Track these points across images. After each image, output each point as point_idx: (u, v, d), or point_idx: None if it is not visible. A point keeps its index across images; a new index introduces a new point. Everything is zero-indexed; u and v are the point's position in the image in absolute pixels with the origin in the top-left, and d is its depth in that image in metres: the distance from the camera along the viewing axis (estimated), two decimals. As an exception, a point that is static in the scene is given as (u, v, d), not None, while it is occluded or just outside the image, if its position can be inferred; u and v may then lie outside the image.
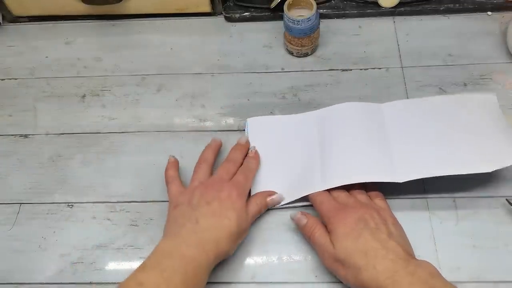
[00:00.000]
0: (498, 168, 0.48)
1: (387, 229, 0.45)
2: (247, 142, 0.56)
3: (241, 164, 0.53)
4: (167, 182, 0.53)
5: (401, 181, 0.49)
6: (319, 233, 0.47)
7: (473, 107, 0.54)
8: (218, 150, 0.55)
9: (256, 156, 0.55)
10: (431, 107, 0.54)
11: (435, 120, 0.53)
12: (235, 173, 0.52)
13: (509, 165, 0.48)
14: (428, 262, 0.43)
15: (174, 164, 0.54)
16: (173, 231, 0.46)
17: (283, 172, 0.54)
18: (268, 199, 0.51)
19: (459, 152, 0.50)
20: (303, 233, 0.49)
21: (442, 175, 0.49)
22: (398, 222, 0.47)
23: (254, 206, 0.50)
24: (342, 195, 0.50)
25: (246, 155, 0.55)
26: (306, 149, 0.55)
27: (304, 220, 0.48)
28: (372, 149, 0.52)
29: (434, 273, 0.42)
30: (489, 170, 0.48)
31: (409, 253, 0.44)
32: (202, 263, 0.43)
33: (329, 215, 0.47)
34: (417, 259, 0.43)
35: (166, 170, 0.54)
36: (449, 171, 0.49)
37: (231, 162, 0.53)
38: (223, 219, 0.46)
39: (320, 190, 0.50)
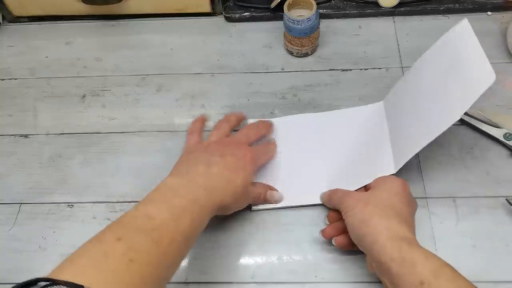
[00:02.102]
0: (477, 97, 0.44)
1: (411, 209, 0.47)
2: (271, 126, 0.56)
3: (261, 135, 0.55)
4: (188, 133, 0.54)
5: (394, 171, 0.49)
6: (349, 193, 0.48)
7: (451, 46, 0.49)
8: (242, 120, 0.57)
9: (275, 147, 0.55)
10: (418, 75, 0.52)
11: (420, 89, 0.51)
12: (253, 141, 0.53)
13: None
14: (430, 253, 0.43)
15: (201, 119, 0.56)
16: (184, 170, 0.46)
17: (285, 175, 0.54)
18: (268, 192, 0.52)
19: (443, 106, 0.47)
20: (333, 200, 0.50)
21: (419, 148, 0.47)
22: None
23: (259, 188, 0.51)
24: None
25: (268, 133, 0.56)
26: (308, 153, 0.55)
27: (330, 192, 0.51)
28: (374, 152, 0.53)
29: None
30: (469, 105, 0.44)
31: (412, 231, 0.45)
32: (208, 207, 0.44)
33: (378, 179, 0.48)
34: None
35: (193, 122, 0.55)
36: (424, 142, 0.47)
37: (253, 130, 0.54)
38: (233, 174, 0.46)
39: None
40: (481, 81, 0.43)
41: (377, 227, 0.42)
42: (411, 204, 0.47)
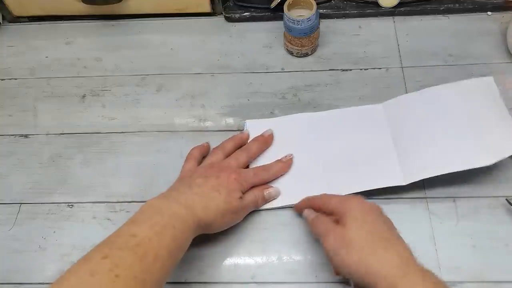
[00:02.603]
0: (499, 160, 0.48)
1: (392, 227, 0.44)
2: (270, 137, 0.56)
3: (255, 156, 0.54)
4: (186, 159, 0.54)
5: (404, 184, 0.50)
6: (327, 219, 0.45)
7: (472, 93, 0.53)
8: (239, 146, 0.56)
9: (288, 164, 0.54)
10: (430, 100, 0.54)
11: (434, 114, 0.53)
12: (245, 164, 0.53)
13: (509, 155, 0.48)
14: (432, 274, 0.41)
15: (202, 148, 0.56)
16: (167, 193, 0.48)
17: (285, 174, 0.54)
18: (265, 192, 0.52)
19: (459, 146, 0.50)
20: (308, 222, 0.48)
21: (443, 173, 0.49)
22: None
23: (250, 196, 0.51)
24: None
25: (264, 149, 0.55)
26: (307, 153, 0.55)
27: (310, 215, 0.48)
28: (375, 155, 0.53)
29: (441, 280, 0.40)
30: (490, 163, 0.48)
31: (406, 257, 0.42)
32: (189, 223, 0.44)
33: (342, 201, 0.45)
34: (417, 264, 0.41)
35: (192, 148, 0.55)
36: (451, 168, 0.49)
37: (245, 151, 0.54)
38: (214, 191, 0.47)
39: None
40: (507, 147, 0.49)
41: (370, 269, 0.40)
42: (388, 223, 0.44)
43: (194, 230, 0.45)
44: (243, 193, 0.50)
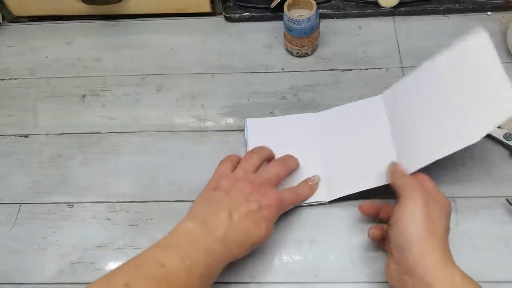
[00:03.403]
0: (498, 124, 0.46)
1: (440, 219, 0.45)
2: (297, 163, 0.53)
3: (290, 171, 0.52)
4: (222, 159, 0.51)
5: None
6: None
7: (467, 63, 0.50)
8: (272, 157, 0.53)
9: (314, 188, 0.52)
10: (423, 82, 0.52)
11: (426, 98, 0.51)
12: (283, 178, 0.50)
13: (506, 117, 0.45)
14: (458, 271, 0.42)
15: (237, 157, 0.51)
16: (204, 215, 0.44)
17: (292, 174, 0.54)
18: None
19: (459, 124, 0.48)
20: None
21: (442, 156, 0.47)
22: None
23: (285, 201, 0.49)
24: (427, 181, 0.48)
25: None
26: (307, 152, 0.55)
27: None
28: (375, 153, 0.52)
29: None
30: (489, 130, 0.46)
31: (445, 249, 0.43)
32: (223, 260, 0.43)
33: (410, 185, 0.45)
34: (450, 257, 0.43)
35: (230, 155, 0.51)
36: (447, 151, 0.47)
37: (285, 167, 0.51)
38: (254, 227, 0.44)
39: (326, 199, 0.52)
40: (504, 109, 0.45)
41: (428, 243, 0.41)
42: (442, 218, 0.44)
43: (224, 264, 0.44)
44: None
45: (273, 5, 0.65)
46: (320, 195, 0.52)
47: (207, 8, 0.69)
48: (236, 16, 0.69)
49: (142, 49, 0.68)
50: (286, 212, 0.52)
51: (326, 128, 0.57)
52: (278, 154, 0.55)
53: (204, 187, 0.49)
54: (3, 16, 0.72)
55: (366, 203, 0.49)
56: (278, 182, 0.50)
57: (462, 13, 0.67)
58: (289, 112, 0.59)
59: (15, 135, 0.61)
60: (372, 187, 0.50)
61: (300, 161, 0.54)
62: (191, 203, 0.53)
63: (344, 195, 0.51)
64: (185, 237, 0.42)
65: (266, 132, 0.57)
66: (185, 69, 0.65)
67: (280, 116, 0.59)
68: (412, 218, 0.42)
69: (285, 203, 0.49)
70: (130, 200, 0.55)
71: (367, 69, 0.63)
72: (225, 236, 0.43)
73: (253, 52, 0.66)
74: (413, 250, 0.40)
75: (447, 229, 0.44)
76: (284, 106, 0.60)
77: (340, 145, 0.55)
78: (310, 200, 0.52)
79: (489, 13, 0.67)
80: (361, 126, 0.55)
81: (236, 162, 0.50)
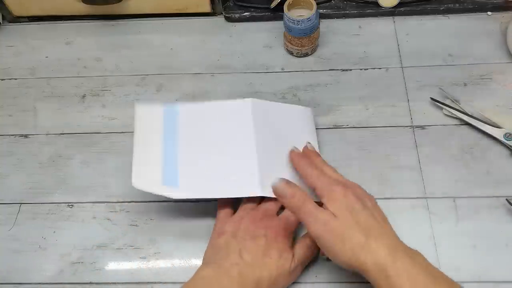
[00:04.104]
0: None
1: (381, 213, 0.45)
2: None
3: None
4: (218, 206, 0.51)
5: (262, 194, 0.48)
6: (312, 204, 0.44)
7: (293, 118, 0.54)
8: None
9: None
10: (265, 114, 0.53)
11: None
12: (280, 204, 0.49)
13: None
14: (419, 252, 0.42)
15: (231, 202, 0.51)
16: (216, 260, 0.45)
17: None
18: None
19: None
20: (290, 204, 0.45)
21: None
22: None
23: (300, 250, 0.47)
24: (330, 171, 0.48)
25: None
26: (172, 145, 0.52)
27: (289, 190, 0.46)
28: (236, 161, 0.51)
29: (429, 262, 0.41)
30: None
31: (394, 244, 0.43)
32: None
33: (328, 188, 0.44)
34: (403, 245, 0.43)
35: (224, 202, 0.51)
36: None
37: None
38: (265, 257, 0.45)
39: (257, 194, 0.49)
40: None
41: (361, 259, 0.40)
42: (374, 209, 0.44)
43: None
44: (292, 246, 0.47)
45: (273, 5, 0.65)
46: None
47: (207, 8, 0.69)
48: (236, 16, 0.69)
49: (142, 49, 0.68)
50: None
51: (195, 123, 0.53)
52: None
53: (210, 237, 0.49)
54: (3, 16, 0.71)
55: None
56: (277, 208, 0.50)
57: (462, 13, 0.67)
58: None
59: (15, 135, 0.61)
60: (227, 196, 0.50)
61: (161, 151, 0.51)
62: (191, 203, 0.53)
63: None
64: (201, 282, 0.44)
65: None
66: (185, 69, 0.65)
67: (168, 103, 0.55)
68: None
69: (291, 221, 0.48)
70: (130, 200, 0.55)
71: (367, 69, 0.63)
72: (240, 274, 0.43)
73: (253, 52, 0.66)
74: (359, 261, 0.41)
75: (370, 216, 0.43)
76: (284, 106, 0.60)
77: (202, 145, 0.52)
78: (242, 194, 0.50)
79: (489, 13, 0.67)
80: (227, 128, 0.52)
81: (230, 204, 0.51)
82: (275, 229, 0.47)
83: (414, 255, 0.41)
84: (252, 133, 0.51)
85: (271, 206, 0.50)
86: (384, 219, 0.44)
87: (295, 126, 0.55)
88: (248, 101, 0.53)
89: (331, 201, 0.43)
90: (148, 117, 0.53)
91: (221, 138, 0.52)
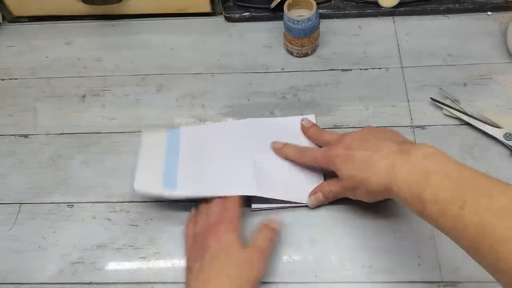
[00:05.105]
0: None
1: (373, 136, 0.47)
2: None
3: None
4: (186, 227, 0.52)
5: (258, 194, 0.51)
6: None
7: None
8: None
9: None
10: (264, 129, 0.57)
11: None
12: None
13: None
14: (424, 144, 0.42)
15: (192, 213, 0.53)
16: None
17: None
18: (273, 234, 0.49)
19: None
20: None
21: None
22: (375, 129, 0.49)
23: (259, 239, 0.48)
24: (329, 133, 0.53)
25: None
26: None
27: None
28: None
29: (429, 153, 0.41)
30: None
31: (401, 141, 0.45)
32: None
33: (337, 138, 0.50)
34: (412, 142, 0.45)
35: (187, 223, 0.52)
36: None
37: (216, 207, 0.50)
38: (221, 277, 0.44)
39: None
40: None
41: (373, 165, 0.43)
42: (381, 131, 0.49)
43: None
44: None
45: (273, 5, 0.65)
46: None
47: (207, 8, 0.69)
48: (236, 16, 0.69)
49: (142, 49, 0.68)
50: (286, 212, 0.52)
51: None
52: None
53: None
54: (3, 16, 0.72)
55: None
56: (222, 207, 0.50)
57: (462, 13, 0.67)
58: (289, 112, 0.59)
59: (15, 135, 0.61)
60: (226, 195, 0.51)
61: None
62: (191, 203, 0.53)
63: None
64: None
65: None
66: (185, 69, 0.65)
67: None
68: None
69: (236, 216, 0.49)
70: (130, 200, 0.55)
71: (367, 69, 0.63)
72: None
73: (253, 52, 0.66)
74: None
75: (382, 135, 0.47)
76: (284, 106, 0.60)
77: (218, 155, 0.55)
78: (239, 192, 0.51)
79: (489, 13, 0.67)
80: (224, 142, 0.56)
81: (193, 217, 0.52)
82: (217, 234, 0.47)
83: (409, 157, 0.41)
84: (248, 145, 0.55)
85: (217, 209, 0.50)
86: (377, 137, 0.46)
87: (292, 134, 0.57)
88: (244, 120, 0.58)
89: (344, 139, 0.48)
90: (153, 140, 0.57)
91: (219, 150, 0.55)
